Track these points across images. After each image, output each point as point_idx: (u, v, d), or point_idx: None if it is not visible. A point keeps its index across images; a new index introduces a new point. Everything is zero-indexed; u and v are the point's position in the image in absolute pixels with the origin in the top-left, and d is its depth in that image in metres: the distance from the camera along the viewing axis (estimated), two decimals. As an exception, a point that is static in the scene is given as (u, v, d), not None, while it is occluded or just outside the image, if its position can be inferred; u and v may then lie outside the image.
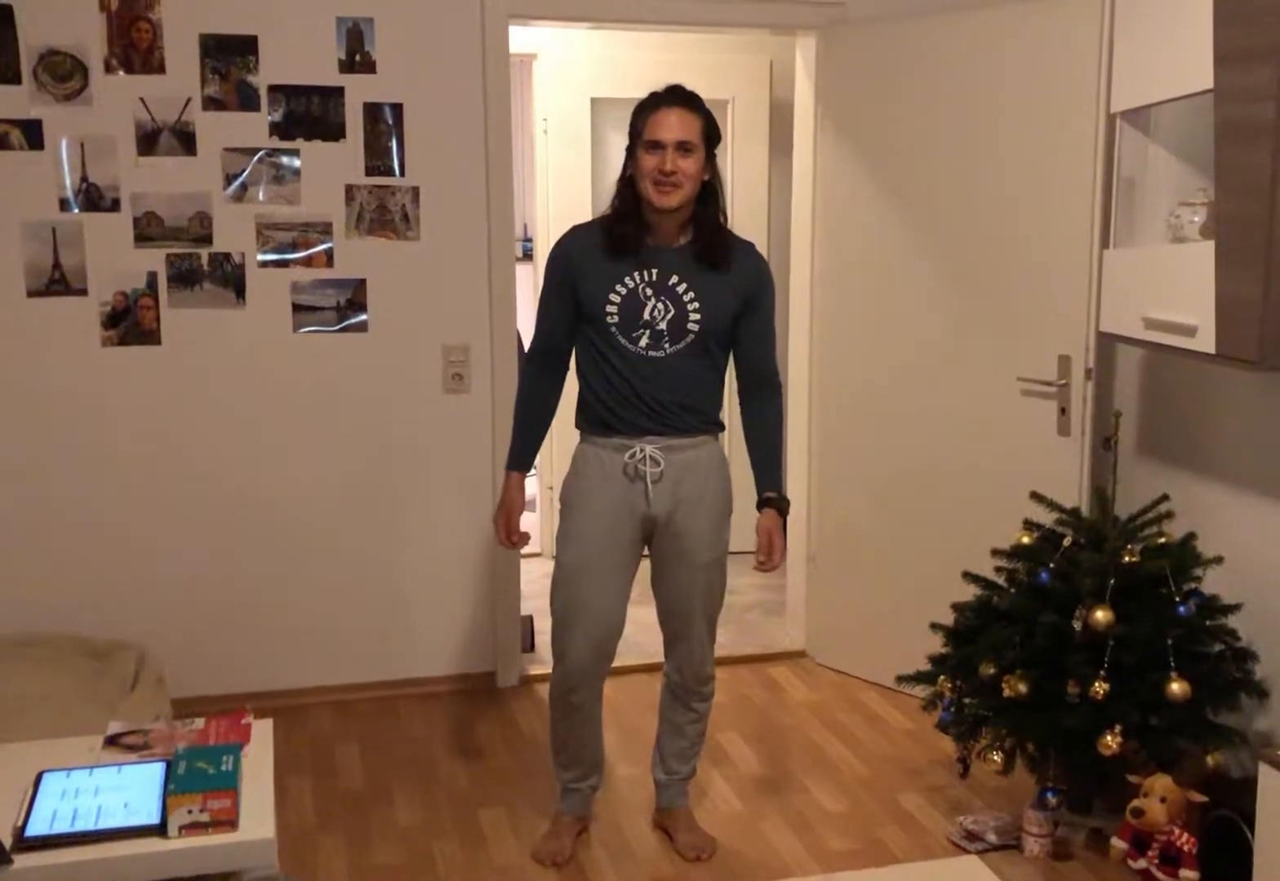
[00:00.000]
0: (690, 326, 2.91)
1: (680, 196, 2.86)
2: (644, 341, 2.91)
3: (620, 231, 2.91)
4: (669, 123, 2.83)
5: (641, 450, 2.95)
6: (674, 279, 2.91)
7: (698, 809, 3.37)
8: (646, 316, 2.90)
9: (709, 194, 2.93)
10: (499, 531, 3.11)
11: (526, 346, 3.18)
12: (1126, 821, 2.98)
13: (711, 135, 2.91)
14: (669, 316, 2.90)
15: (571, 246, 3.00)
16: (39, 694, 3.15)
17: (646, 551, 3.09)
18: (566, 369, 3.09)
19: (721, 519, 3.07)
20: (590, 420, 3.02)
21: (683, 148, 2.83)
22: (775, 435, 3.11)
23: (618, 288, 2.90)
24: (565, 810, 3.24)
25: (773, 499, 3.02)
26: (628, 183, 2.92)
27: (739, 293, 2.96)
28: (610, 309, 2.90)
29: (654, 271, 2.91)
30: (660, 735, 3.28)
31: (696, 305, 2.91)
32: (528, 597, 4.36)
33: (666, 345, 2.91)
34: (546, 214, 5.26)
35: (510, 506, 3.11)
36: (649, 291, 2.90)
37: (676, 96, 2.88)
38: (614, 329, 2.91)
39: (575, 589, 3.01)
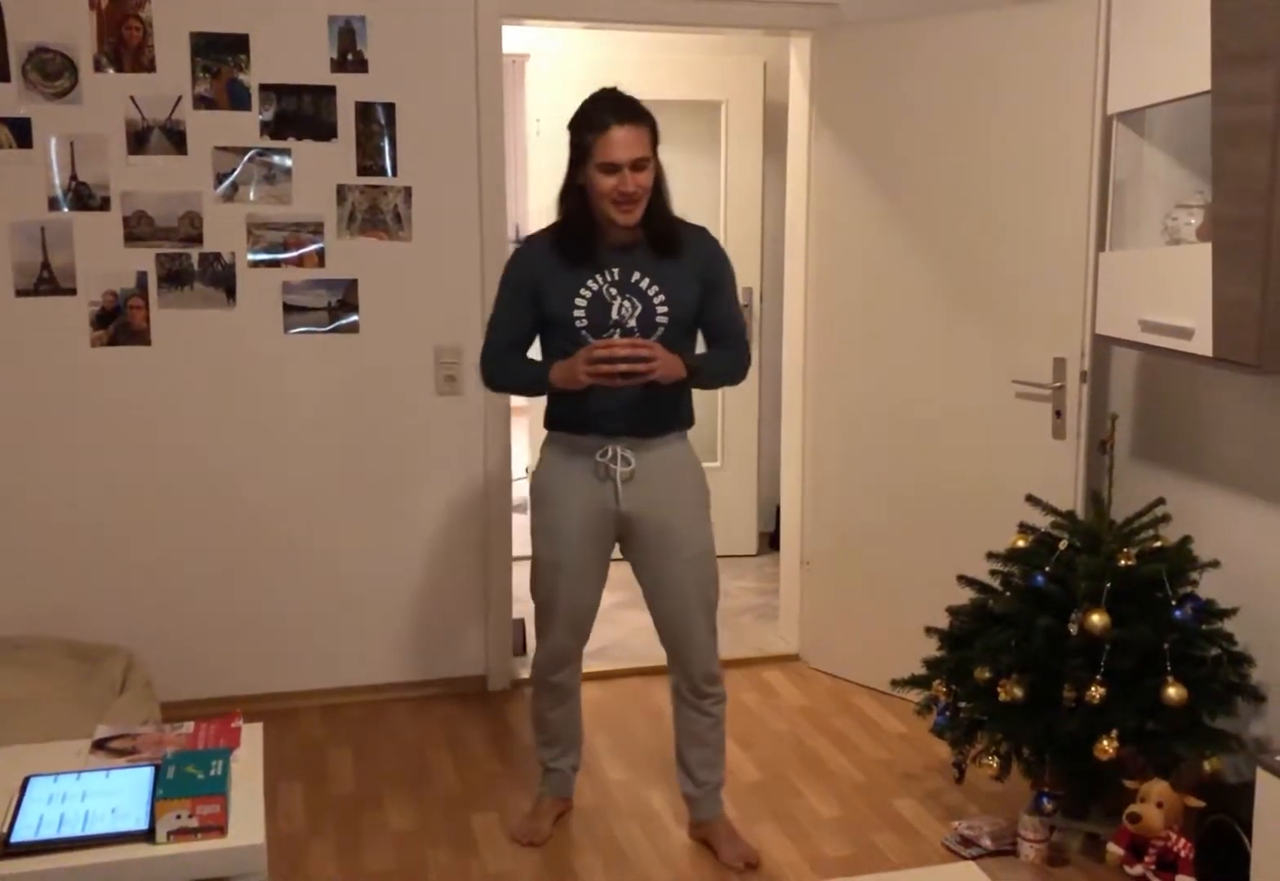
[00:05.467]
0: (659, 320, 2.92)
1: (641, 209, 2.87)
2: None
3: (574, 240, 2.92)
4: (621, 142, 2.80)
5: (612, 449, 2.96)
6: (635, 275, 2.92)
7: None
8: (615, 316, 2.91)
9: (654, 188, 2.91)
10: (588, 356, 2.80)
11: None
12: (1123, 826, 2.97)
13: (657, 137, 2.89)
14: (637, 312, 2.92)
15: (530, 257, 3.00)
16: (26, 697, 3.12)
17: (620, 555, 3.09)
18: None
19: (700, 512, 3.08)
20: (561, 420, 3.04)
21: (637, 165, 2.82)
22: (723, 358, 3.05)
23: (582, 292, 2.91)
24: (546, 792, 3.31)
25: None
26: (577, 192, 2.91)
27: (699, 277, 2.98)
28: (578, 313, 2.91)
29: (615, 271, 2.92)
30: (680, 748, 3.24)
31: (662, 297, 2.92)
32: (519, 601, 4.33)
33: None
34: (539, 214, 5.23)
35: (571, 361, 2.86)
36: (613, 291, 2.92)
37: (622, 111, 2.83)
38: (584, 332, 2.91)
39: (553, 583, 3.08)
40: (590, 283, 2.91)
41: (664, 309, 2.93)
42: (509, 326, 3.03)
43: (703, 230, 3.06)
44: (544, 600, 3.11)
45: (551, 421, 3.07)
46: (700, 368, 2.97)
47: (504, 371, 3.06)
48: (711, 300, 3.01)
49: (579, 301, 2.91)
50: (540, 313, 2.96)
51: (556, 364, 2.93)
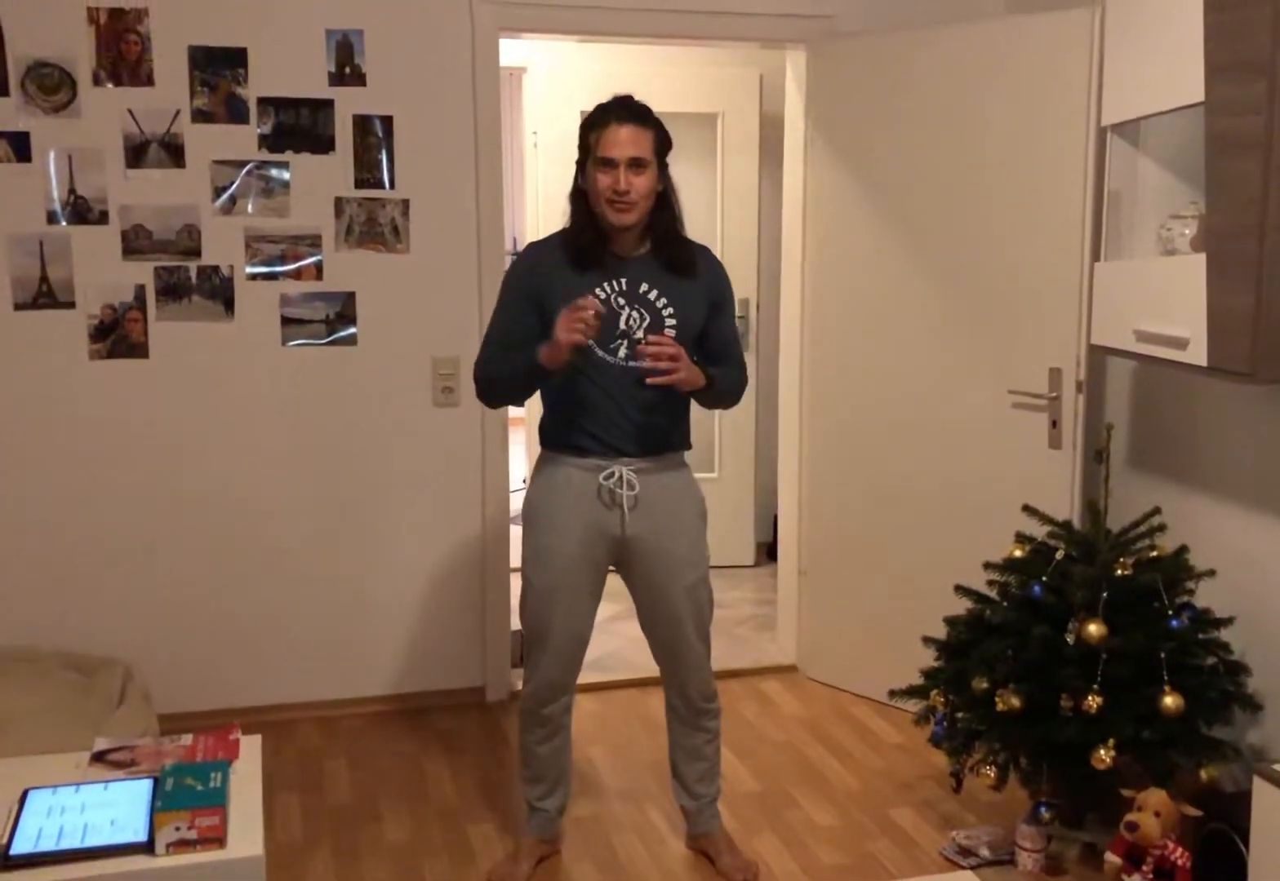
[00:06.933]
0: (667, 331, 2.88)
1: (636, 214, 2.84)
2: (622, 352, 2.88)
3: (583, 244, 2.88)
4: (620, 139, 2.79)
5: (616, 472, 2.91)
6: (644, 286, 2.89)
7: (689, 824, 3.35)
8: (623, 326, 2.88)
9: (663, 203, 2.90)
10: (567, 325, 2.72)
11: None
12: (1120, 835, 2.97)
13: (663, 147, 2.88)
14: (645, 324, 2.88)
15: (535, 263, 2.95)
16: (24, 709, 3.12)
17: (614, 569, 3.06)
18: None
19: (700, 537, 3.05)
20: (561, 440, 2.95)
21: (635, 165, 2.80)
22: (729, 376, 3.01)
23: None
24: (529, 832, 3.20)
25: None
26: (581, 196, 2.89)
27: (706, 296, 2.97)
28: None
29: (623, 280, 2.89)
30: (676, 762, 3.22)
31: (671, 310, 2.90)
32: (516, 612, 4.33)
33: None
34: (536, 227, 5.25)
35: (555, 336, 2.76)
36: (621, 301, 2.88)
37: (627, 111, 2.83)
38: (591, 342, 2.82)
39: (546, 611, 2.98)
40: (598, 291, 2.86)
41: (672, 321, 2.89)
42: (508, 332, 2.92)
43: (707, 250, 3.04)
44: (535, 629, 3.01)
45: (547, 440, 2.99)
46: (715, 380, 2.92)
47: (495, 373, 2.93)
48: (716, 321, 3.00)
49: None
50: (544, 318, 2.84)
51: (544, 345, 2.78)
